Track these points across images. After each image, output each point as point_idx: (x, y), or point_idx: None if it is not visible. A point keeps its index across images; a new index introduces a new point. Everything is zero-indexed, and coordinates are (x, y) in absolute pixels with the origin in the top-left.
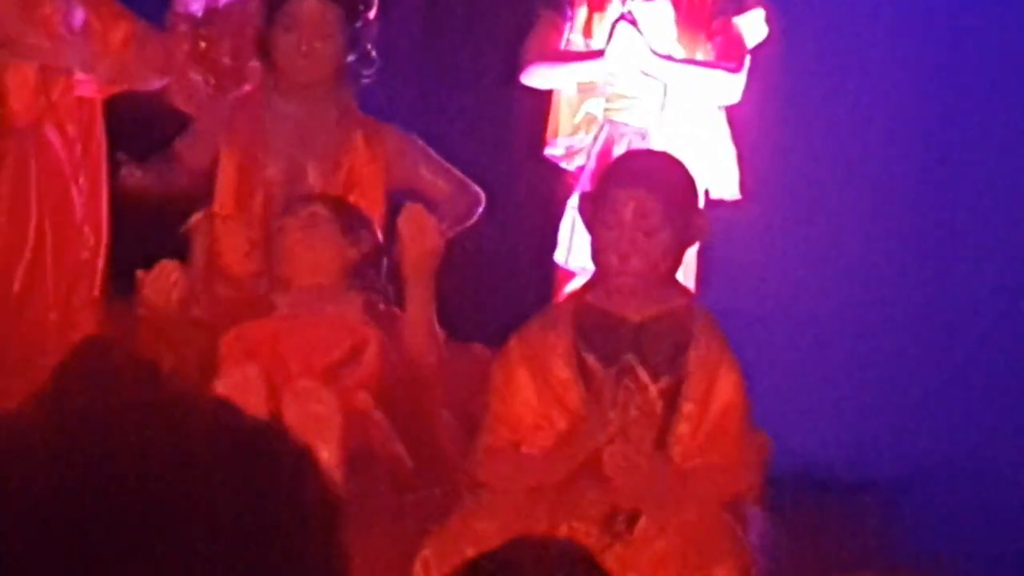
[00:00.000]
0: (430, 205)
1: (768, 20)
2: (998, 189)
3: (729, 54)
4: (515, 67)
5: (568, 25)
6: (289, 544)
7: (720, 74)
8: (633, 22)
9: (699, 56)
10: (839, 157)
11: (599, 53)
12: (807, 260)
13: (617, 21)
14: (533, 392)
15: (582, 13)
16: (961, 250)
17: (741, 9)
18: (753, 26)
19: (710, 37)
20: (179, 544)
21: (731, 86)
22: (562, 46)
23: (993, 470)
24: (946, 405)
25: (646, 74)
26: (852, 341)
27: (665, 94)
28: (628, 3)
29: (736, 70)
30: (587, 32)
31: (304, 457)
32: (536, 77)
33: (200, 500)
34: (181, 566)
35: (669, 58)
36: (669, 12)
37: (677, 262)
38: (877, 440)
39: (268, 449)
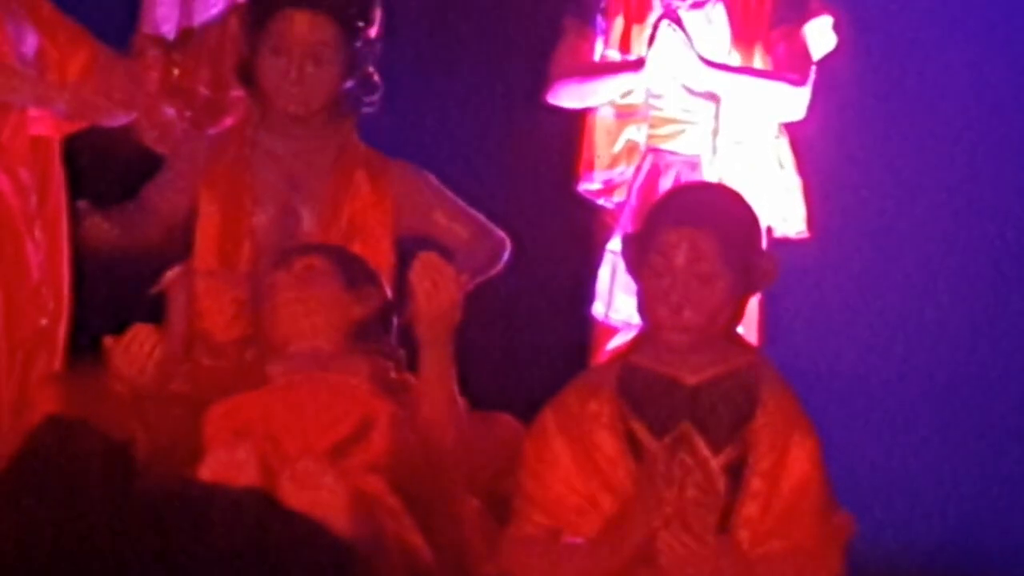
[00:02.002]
0: (447, 253)
1: (837, 29)
2: None
3: (793, 65)
4: (541, 86)
5: (601, 38)
6: None
7: (782, 87)
8: (678, 21)
9: (757, 67)
10: (922, 186)
11: (639, 63)
12: (889, 307)
13: (659, 21)
14: (574, 470)
15: (618, 25)
16: None
17: (805, 16)
18: (819, 35)
19: (769, 47)
20: None
21: (794, 100)
22: (595, 60)
23: None
24: None
25: (691, 91)
26: (946, 401)
27: (718, 117)
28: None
29: (800, 83)
30: (624, 47)
31: (307, 552)
32: (565, 95)
33: None
34: None
35: (723, 67)
36: (722, 18)
37: (739, 313)
38: (982, 516)
39: (265, 546)
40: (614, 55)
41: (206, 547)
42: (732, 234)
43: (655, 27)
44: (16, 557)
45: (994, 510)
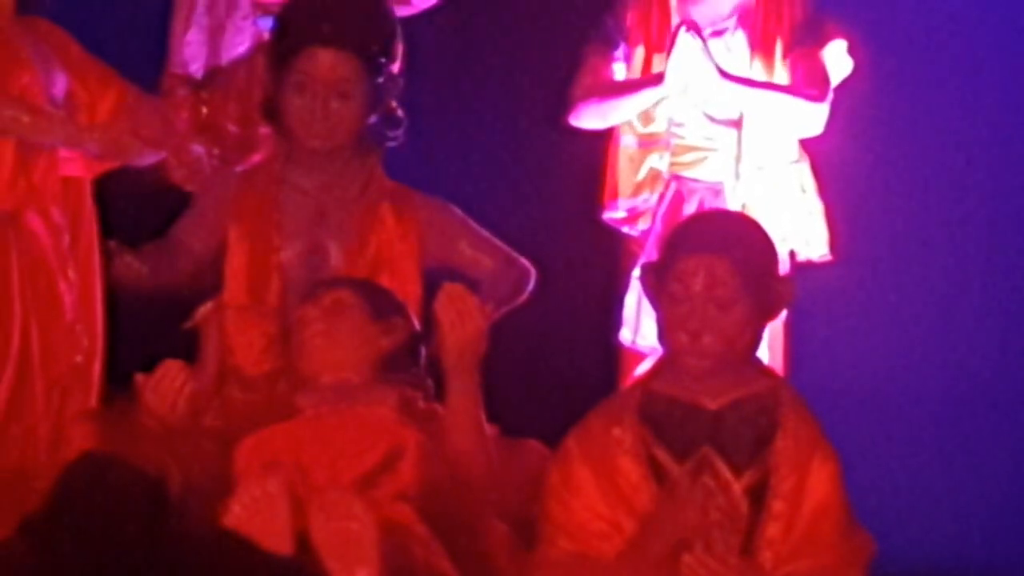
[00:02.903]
0: (472, 284)
1: (854, 53)
2: None
3: (811, 82)
4: (563, 116)
5: (624, 64)
6: None
7: (801, 102)
8: (697, 30)
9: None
10: (943, 208)
11: (659, 76)
12: (912, 329)
13: (678, 28)
14: (598, 495)
15: (639, 53)
16: None
17: (822, 41)
18: (837, 59)
19: (790, 68)
20: None
21: (814, 116)
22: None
23: None
24: None
25: (713, 118)
26: (967, 424)
27: (740, 143)
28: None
29: (820, 99)
30: (645, 74)
31: None
32: (587, 115)
33: None
34: None
35: (742, 80)
36: (742, 45)
37: (757, 338)
38: (1004, 536)
39: None
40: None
41: None
42: (749, 260)
43: (674, 35)
44: None
45: (1017, 530)
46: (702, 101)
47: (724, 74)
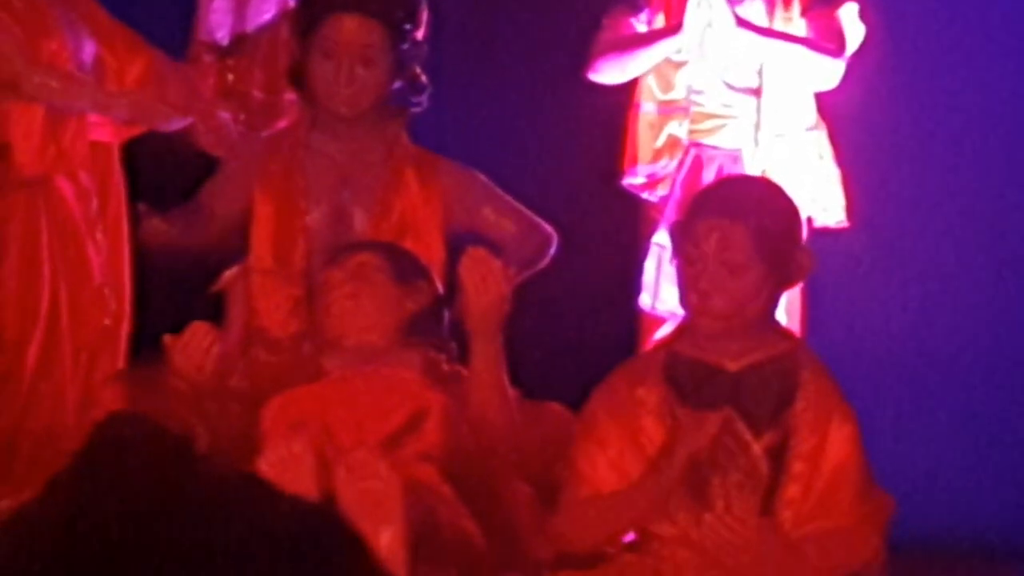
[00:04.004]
0: (495, 248)
1: (868, 20)
2: None
3: (829, 38)
4: (584, 81)
5: (644, 28)
6: None
7: (818, 55)
8: None
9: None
10: (958, 175)
11: (676, 27)
12: (928, 292)
13: None
14: (621, 451)
15: (659, 21)
16: None
17: (835, 3)
18: (849, 22)
19: (807, 26)
20: None
21: (830, 70)
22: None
23: None
24: None
25: (732, 86)
26: (984, 384)
27: (759, 111)
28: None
29: (837, 54)
30: None
31: (362, 543)
32: (607, 69)
33: None
34: None
35: (761, 30)
36: (760, 9)
37: (772, 304)
38: (1018, 502)
39: (322, 537)
40: None
41: (262, 539)
42: (767, 227)
43: None
44: (80, 550)
45: None
46: (721, 67)
47: (741, 22)
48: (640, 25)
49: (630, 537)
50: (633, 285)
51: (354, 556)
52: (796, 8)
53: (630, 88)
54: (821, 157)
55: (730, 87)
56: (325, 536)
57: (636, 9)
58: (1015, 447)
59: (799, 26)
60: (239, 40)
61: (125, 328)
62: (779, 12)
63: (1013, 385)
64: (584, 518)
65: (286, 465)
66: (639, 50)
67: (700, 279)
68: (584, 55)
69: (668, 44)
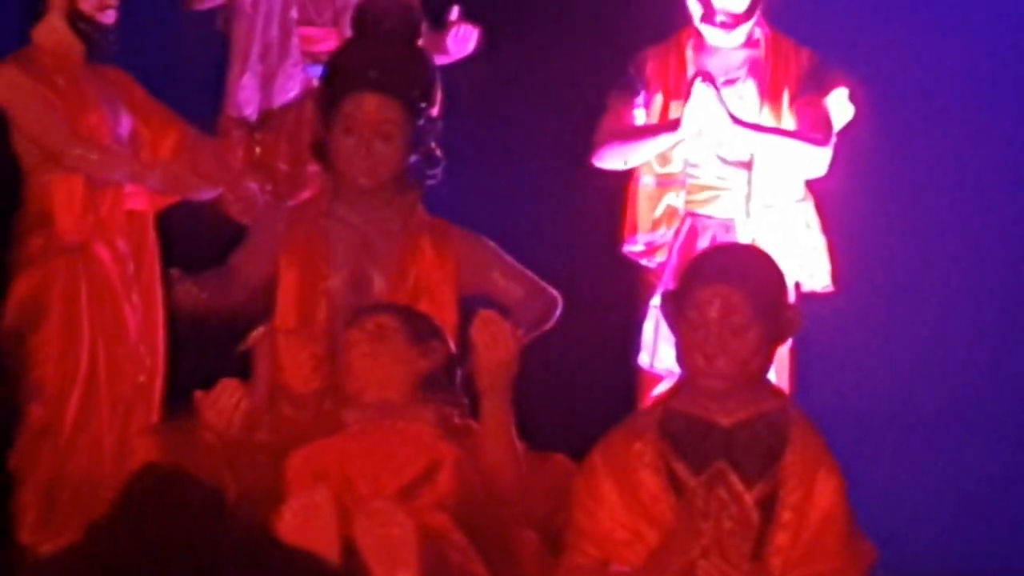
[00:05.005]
0: (504, 311)
1: (856, 100)
2: None
3: (816, 127)
4: (588, 157)
5: (643, 110)
6: None
7: (807, 146)
8: (711, 80)
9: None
10: (938, 241)
11: (675, 122)
12: (909, 353)
13: (694, 78)
14: (620, 505)
15: (658, 100)
16: None
17: (825, 88)
18: (838, 105)
19: (796, 114)
20: None
21: (818, 159)
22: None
23: None
24: None
25: (725, 160)
26: (959, 438)
27: (751, 183)
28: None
29: (823, 143)
30: (663, 119)
31: None
32: (609, 157)
33: None
34: None
35: (752, 126)
36: (753, 93)
37: (768, 361)
38: (997, 547)
39: None
40: None
41: None
42: (761, 290)
43: (690, 84)
44: None
45: (1010, 539)
46: (715, 144)
47: (736, 120)
48: (639, 109)
49: None
50: (632, 345)
51: None
52: (786, 96)
53: None
54: (808, 226)
55: (724, 161)
56: None
57: (635, 92)
58: (991, 496)
59: (787, 117)
60: (266, 116)
61: (159, 384)
62: (768, 102)
63: (989, 436)
64: None
65: (309, 513)
66: (639, 143)
67: (706, 343)
68: (588, 131)
69: (667, 139)
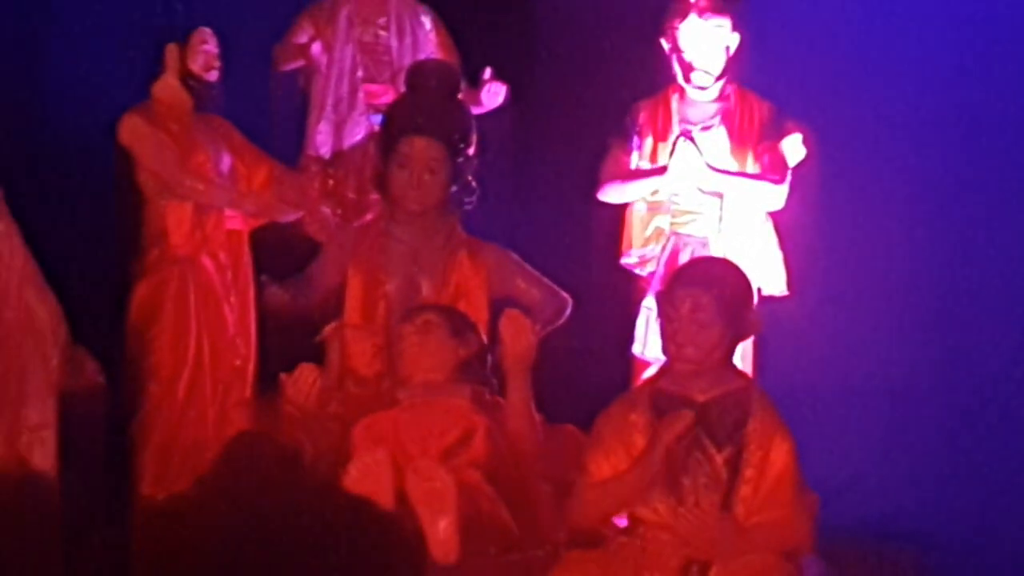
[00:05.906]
0: (525, 310)
1: (806, 143)
2: None
3: (774, 169)
4: (594, 188)
5: (636, 152)
6: None
7: (767, 185)
8: (691, 138)
9: (749, 171)
10: (874, 257)
11: (663, 169)
12: (848, 343)
13: (677, 138)
14: (618, 460)
15: (648, 143)
16: (986, 326)
17: (783, 134)
18: (793, 147)
19: (758, 157)
20: None
21: (776, 195)
22: (631, 168)
23: None
24: (984, 472)
25: (702, 191)
26: (891, 413)
27: (722, 208)
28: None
29: (780, 182)
30: (653, 159)
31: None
32: (610, 194)
33: (336, 564)
34: None
35: (724, 171)
36: (723, 137)
37: (730, 351)
38: (916, 498)
39: (394, 523)
40: (645, 165)
41: (351, 520)
42: (726, 294)
43: (674, 143)
44: (214, 545)
45: (935, 501)
46: (695, 185)
47: (712, 168)
48: (635, 152)
49: (623, 523)
50: (628, 337)
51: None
52: (750, 141)
53: None
54: (767, 243)
55: (701, 191)
56: (385, 534)
57: (630, 138)
58: (914, 461)
59: (751, 161)
60: (337, 155)
61: (251, 368)
62: (735, 145)
63: (921, 412)
64: (589, 499)
65: (370, 470)
66: (633, 183)
67: (678, 334)
68: (594, 169)
69: (655, 182)
